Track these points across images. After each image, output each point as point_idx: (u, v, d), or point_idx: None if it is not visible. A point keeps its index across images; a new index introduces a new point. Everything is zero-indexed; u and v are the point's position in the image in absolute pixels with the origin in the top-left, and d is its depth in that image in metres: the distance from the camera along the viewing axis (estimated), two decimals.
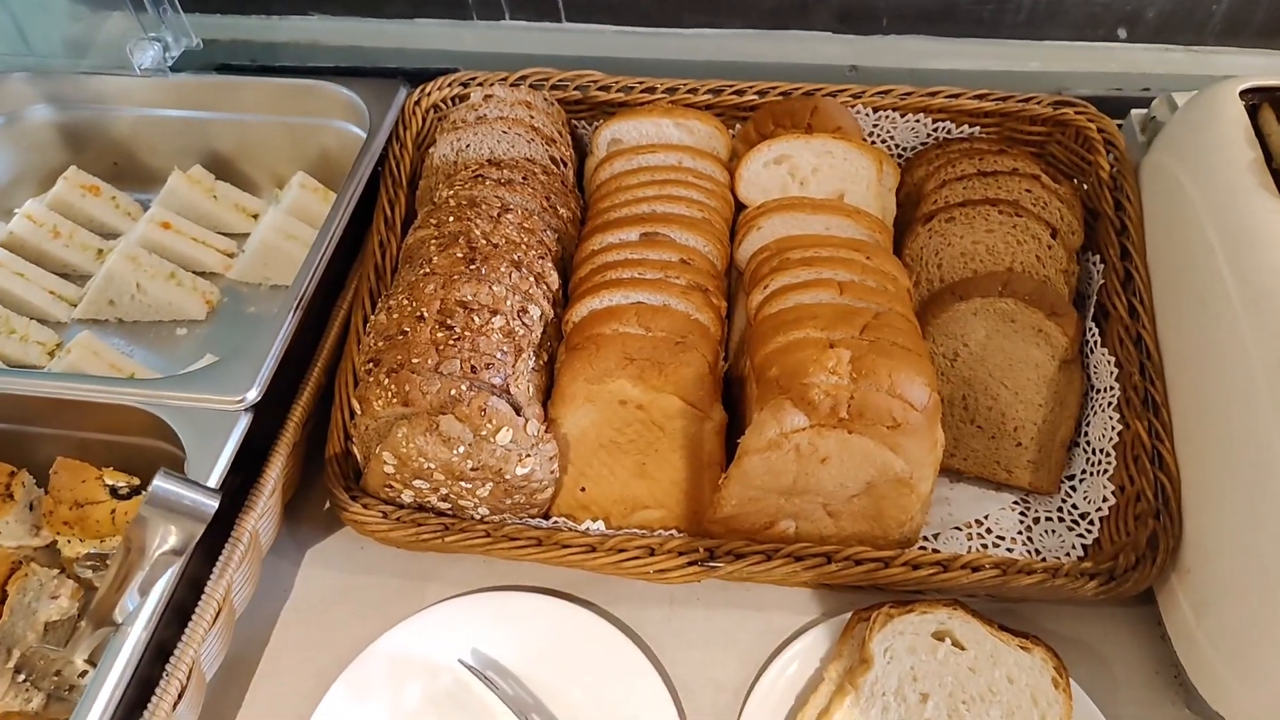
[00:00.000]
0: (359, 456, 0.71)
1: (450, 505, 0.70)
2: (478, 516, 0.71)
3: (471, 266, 0.70)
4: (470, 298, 0.69)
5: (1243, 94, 0.73)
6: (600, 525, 0.72)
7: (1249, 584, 0.61)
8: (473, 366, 0.66)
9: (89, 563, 0.68)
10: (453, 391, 0.65)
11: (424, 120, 0.89)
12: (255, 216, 0.98)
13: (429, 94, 0.90)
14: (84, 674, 0.63)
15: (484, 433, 0.64)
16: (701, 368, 0.72)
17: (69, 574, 0.70)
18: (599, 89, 0.91)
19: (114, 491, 0.70)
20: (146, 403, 0.67)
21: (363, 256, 0.82)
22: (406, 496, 0.70)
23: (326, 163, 0.96)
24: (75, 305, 0.91)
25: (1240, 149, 0.70)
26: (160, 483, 0.48)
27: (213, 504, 0.49)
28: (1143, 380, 0.73)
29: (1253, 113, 0.72)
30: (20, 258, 0.91)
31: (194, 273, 0.92)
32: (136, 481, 0.71)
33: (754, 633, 0.72)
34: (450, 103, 0.91)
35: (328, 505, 0.80)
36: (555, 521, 0.73)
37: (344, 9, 1.14)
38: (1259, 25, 1.01)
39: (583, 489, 0.74)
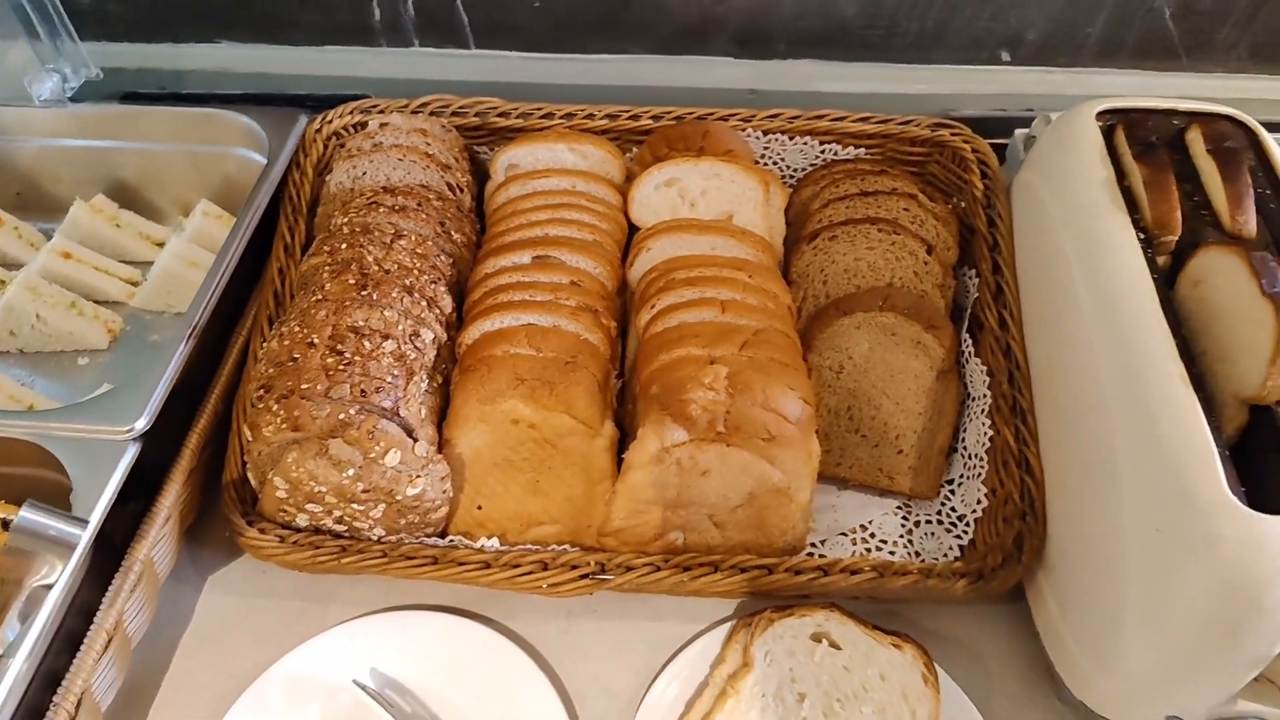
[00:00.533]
0: (254, 482, 0.72)
1: (346, 527, 0.71)
2: (374, 537, 0.72)
3: (363, 292, 0.72)
4: (362, 323, 0.70)
5: (1099, 115, 0.78)
6: (495, 542, 0.74)
7: (1100, 580, 0.64)
8: (363, 390, 0.67)
9: None
10: (342, 415, 0.66)
11: (324, 147, 0.90)
12: (160, 245, 0.98)
13: (330, 121, 0.92)
14: None
15: (373, 455, 0.66)
16: (591, 386, 0.74)
17: None
18: (498, 115, 0.93)
19: (4, 524, 0.70)
20: (33, 434, 0.67)
21: (262, 284, 0.83)
22: (301, 520, 0.71)
23: (230, 190, 0.97)
24: None
25: (1094, 168, 0.74)
26: (26, 514, 0.48)
27: (78, 533, 0.49)
28: (1011, 388, 0.77)
29: (1108, 133, 0.77)
30: None
31: (96, 302, 0.92)
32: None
33: (648, 642, 0.74)
34: (351, 130, 0.92)
35: (229, 532, 0.81)
36: (451, 540, 0.74)
37: (251, 36, 1.14)
38: (1132, 47, 1.07)
39: (479, 507, 0.75)
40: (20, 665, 0.57)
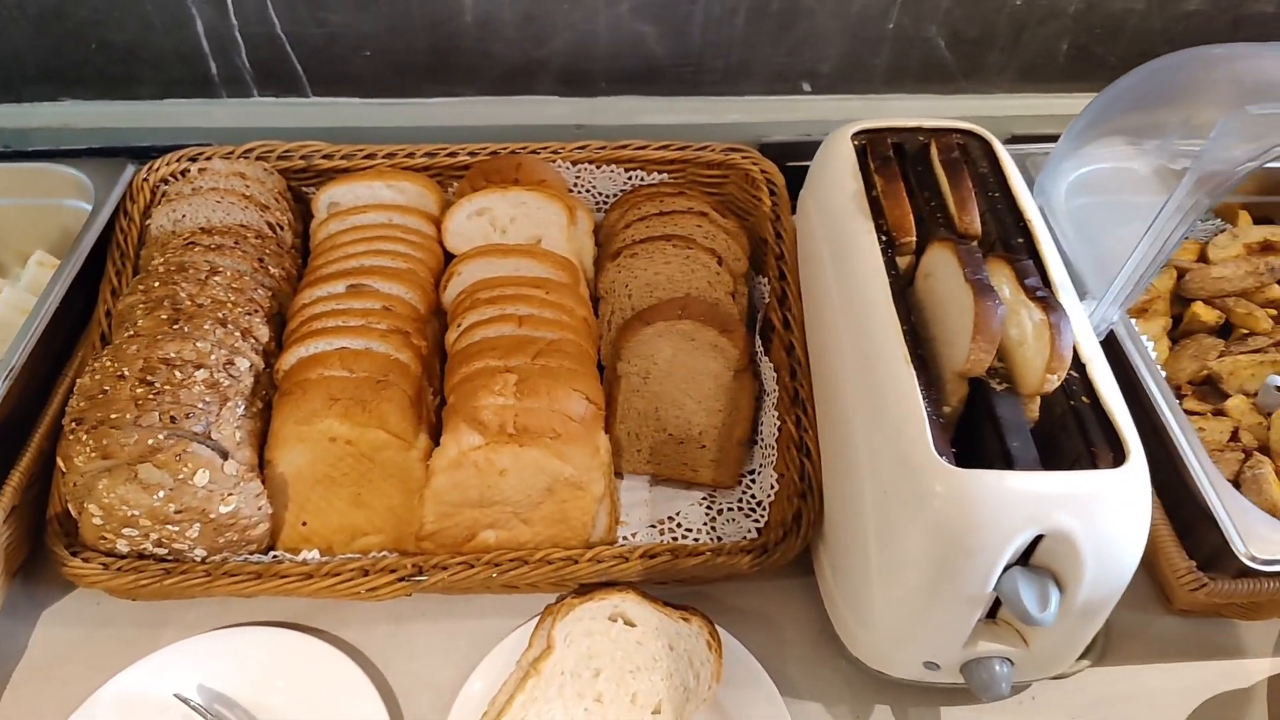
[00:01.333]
0: (74, 512, 0.75)
1: (166, 550, 0.75)
2: (196, 558, 0.76)
3: (175, 326, 0.76)
4: (174, 355, 0.75)
5: (854, 136, 0.87)
6: (316, 554, 0.78)
7: (854, 544, 0.72)
8: (172, 417, 0.72)
9: None
10: (151, 441, 0.70)
11: (151, 195, 0.95)
12: None
13: (156, 169, 0.96)
14: None
15: (181, 476, 0.70)
16: (403, 402, 0.79)
17: None
18: (322, 157, 0.98)
19: None
20: None
21: (89, 326, 0.86)
22: (122, 546, 0.74)
23: (64, 240, 1.00)
24: None
25: (847, 181, 0.83)
26: None
27: None
28: (792, 381, 0.85)
29: (862, 152, 0.86)
30: None
31: None
32: None
33: (470, 639, 0.79)
34: (179, 176, 0.96)
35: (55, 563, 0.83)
36: (275, 555, 0.79)
37: (94, 93, 1.18)
38: (915, 73, 1.18)
39: (304, 523, 0.80)
40: None
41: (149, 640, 0.79)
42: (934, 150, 0.84)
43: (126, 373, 0.73)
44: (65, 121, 1.18)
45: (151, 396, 0.72)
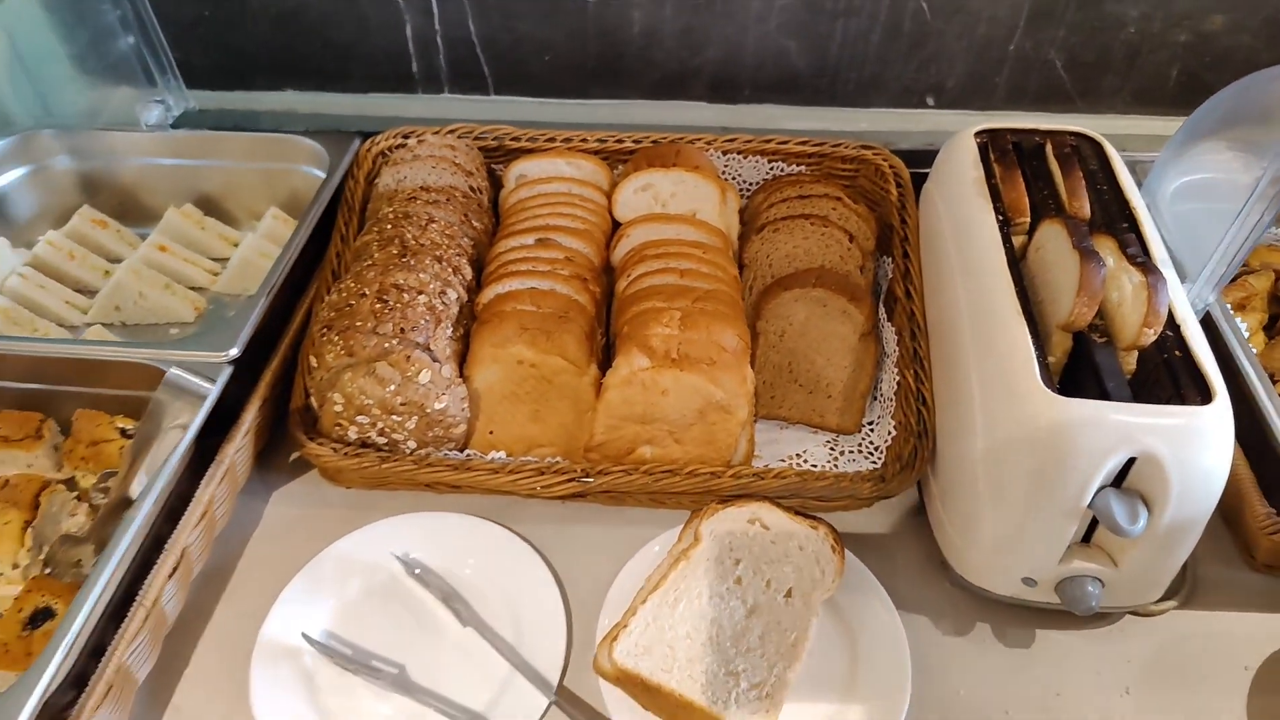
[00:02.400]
0: (315, 403, 0.92)
1: (386, 440, 0.91)
2: (408, 450, 0.92)
3: (403, 259, 0.93)
4: (402, 281, 0.92)
5: (977, 134, 0.99)
6: (503, 455, 0.94)
7: (965, 472, 0.83)
8: (401, 329, 0.88)
9: (101, 485, 0.88)
10: (385, 345, 0.87)
11: (373, 162, 1.13)
12: (236, 244, 1.21)
13: (378, 142, 1.15)
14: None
15: (409, 374, 0.86)
16: (579, 335, 0.94)
17: (85, 501, 0.90)
18: (511, 139, 1.16)
19: (123, 433, 0.91)
20: (151, 359, 0.88)
21: (323, 263, 1.05)
22: (352, 433, 0.91)
23: (294, 200, 1.20)
24: (86, 312, 1.12)
25: (969, 170, 0.95)
26: (173, 372, 0.68)
27: (209, 387, 0.69)
28: (912, 342, 0.97)
29: (983, 147, 0.98)
30: (41, 274, 1.12)
31: (185, 286, 1.14)
32: None
33: (623, 540, 0.92)
34: (395, 149, 1.15)
35: (292, 457, 1.01)
36: (468, 453, 0.94)
37: (312, 85, 1.39)
38: (1033, 93, 1.29)
39: (491, 432, 0.95)
40: (149, 507, 0.76)
41: (359, 520, 0.95)
42: (1049, 148, 0.96)
43: (367, 292, 0.90)
44: (288, 108, 1.39)
45: (386, 311, 0.89)
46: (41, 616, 0.76)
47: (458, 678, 0.83)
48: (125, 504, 0.78)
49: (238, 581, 0.91)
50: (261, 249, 1.13)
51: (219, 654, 0.85)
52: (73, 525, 0.88)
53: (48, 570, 0.84)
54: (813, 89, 1.31)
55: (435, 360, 0.89)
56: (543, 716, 0.80)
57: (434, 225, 0.97)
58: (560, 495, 0.92)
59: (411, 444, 0.92)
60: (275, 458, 1.00)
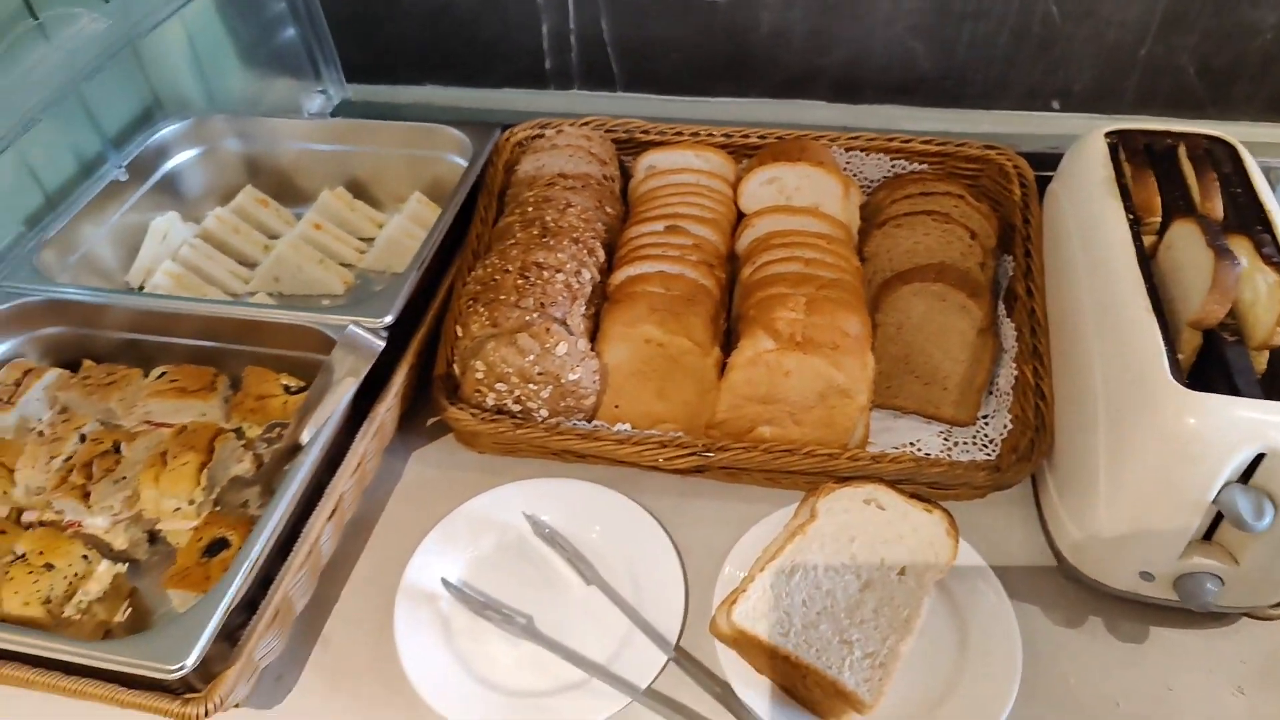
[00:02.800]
0: (456, 372, 0.99)
1: (520, 408, 0.97)
2: (540, 418, 0.98)
3: (543, 240, 0.99)
4: (542, 260, 0.98)
5: (1106, 135, 1.00)
6: (628, 428, 0.99)
7: (1085, 465, 0.85)
8: (541, 304, 0.94)
9: (267, 435, 0.97)
10: (527, 318, 0.93)
11: (512, 151, 1.20)
12: (381, 225, 1.29)
13: (516, 133, 1.22)
14: (264, 502, 0.91)
15: (548, 346, 0.92)
16: (705, 318, 0.99)
17: (250, 449, 0.99)
18: (641, 132, 1.21)
19: (287, 389, 0.99)
20: (315, 323, 0.97)
21: (464, 244, 1.12)
22: (490, 400, 0.97)
23: (436, 185, 1.28)
24: (248, 281, 1.22)
25: (1097, 170, 0.96)
26: (351, 329, 0.75)
27: (381, 344, 0.76)
28: (1032, 338, 0.98)
29: (1114, 149, 0.99)
30: (209, 245, 1.23)
31: (336, 261, 1.23)
32: (303, 383, 1.00)
33: (738, 515, 0.96)
34: (530, 140, 1.22)
35: (429, 422, 1.08)
36: (596, 424, 1.00)
37: (450, 80, 1.48)
38: (1164, 98, 1.28)
39: (617, 406, 1.01)
40: (317, 452, 0.84)
41: (490, 484, 1.01)
42: (1182, 150, 0.96)
43: (510, 269, 0.97)
44: (427, 101, 1.48)
45: (528, 287, 0.95)
46: (218, 546, 0.84)
47: (581, 631, 0.88)
48: (294, 450, 0.86)
49: (380, 531, 0.99)
50: (407, 229, 1.22)
51: (364, 595, 0.93)
52: (239, 470, 0.97)
53: (217, 508, 0.93)
54: (936, 91, 1.33)
55: (571, 334, 0.95)
56: (661, 671, 0.85)
57: (571, 209, 1.03)
58: (681, 469, 0.97)
59: (544, 412, 0.98)
60: (415, 421, 1.07)
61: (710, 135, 1.20)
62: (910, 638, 0.80)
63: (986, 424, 1.01)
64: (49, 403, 1.02)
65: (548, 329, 0.93)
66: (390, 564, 0.94)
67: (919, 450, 1.00)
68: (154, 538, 0.95)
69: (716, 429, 0.97)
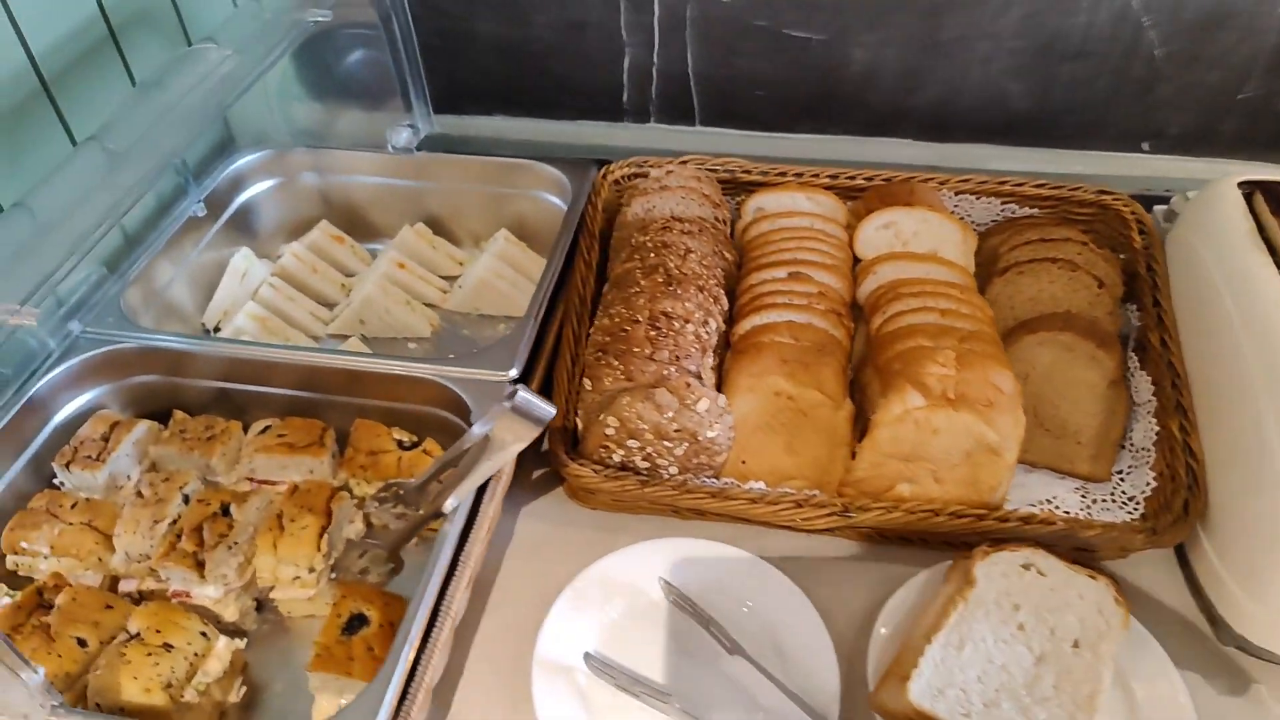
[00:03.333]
0: (580, 425, 0.94)
1: (649, 464, 0.93)
2: (666, 475, 0.94)
3: (669, 288, 0.95)
4: (670, 310, 0.94)
5: (1240, 184, 0.98)
6: (761, 485, 0.95)
7: (1256, 526, 0.82)
8: (676, 356, 0.90)
9: (381, 495, 0.91)
10: (664, 372, 0.89)
11: (609, 190, 1.16)
12: (460, 263, 1.25)
13: (613, 171, 1.18)
14: (392, 569, 0.86)
15: (688, 402, 0.88)
16: (837, 369, 0.95)
17: (360, 508, 0.93)
18: (742, 172, 1.18)
19: (400, 444, 0.94)
20: (436, 375, 0.91)
21: (568, 287, 1.07)
22: (616, 457, 0.93)
23: (520, 222, 1.23)
24: (327, 324, 1.17)
25: (1238, 221, 0.94)
26: (523, 393, 0.70)
27: (553, 411, 0.71)
28: (1174, 392, 0.96)
29: (1247, 198, 0.97)
30: (290, 285, 1.17)
31: (420, 302, 1.18)
32: (415, 438, 0.95)
33: (875, 575, 0.93)
34: (627, 179, 1.18)
35: (535, 474, 1.03)
36: (725, 481, 0.95)
37: (521, 112, 1.43)
38: (1262, 142, 1.27)
39: (743, 461, 0.96)
40: (459, 526, 0.79)
41: (606, 541, 0.96)
42: None
43: (640, 319, 0.92)
44: (497, 134, 1.43)
45: (660, 339, 0.91)
46: (356, 623, 0.79)
47: (730, 705, 0.83)
48: (434, 517, 0.80)
49: (500, 593, 0.93)
50: (496, 270, 1.17)
51: (493, 663, 0.87)
52: (351, 531, 0.91)
53: (333, 574, 0.87)
54: (1026, 131, 1.31)
55: (708, 389, 0.90)
56: None
57: (692, 255, 0.99)
58: (816, 529, 0.92)
59: (673, 469, 0.93)
60: (519, 474, 1.02)
61: (815, 176, 1.17)
62: (1096, 716, 0.76)
63: (1123, 480, 0.98)
64: (138, 458, 0.95)
65: (687, 384, 0.88)
66: (517, 630, 0.89)
67: (1058, 508, 0.96)
68: (260, 605, 0.89)
69: (851, 486, 0.93)
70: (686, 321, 0.94)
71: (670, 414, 0.89)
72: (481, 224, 1.26)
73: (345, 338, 1.16)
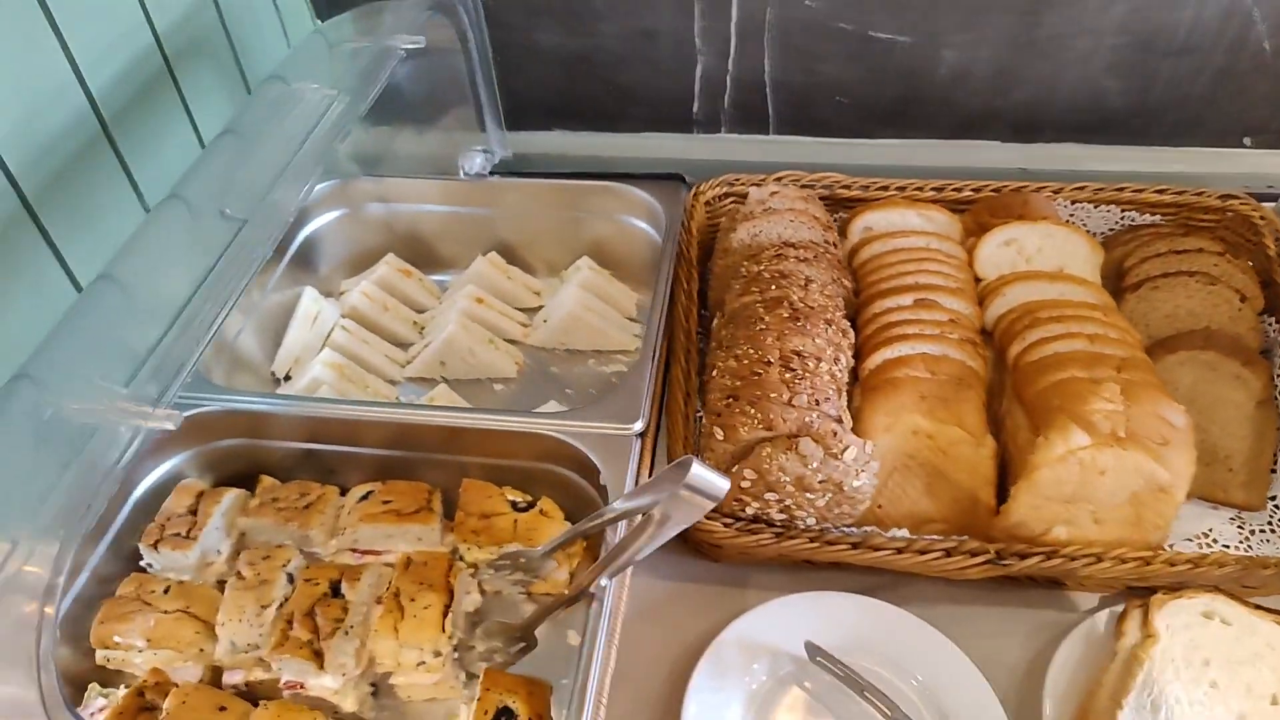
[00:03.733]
0: None
1: (785, 516, 0.86)
2: (801, 525, 0.87)
3: (797, 323, 0.88)
4: (801, 348, 0.87)
5: None
6: (904, 531, 0.88)
7: None
8: (816, 400, 0.83)
9: (502, 561, 0.84)
10: (806, 419, 0.82)
11: (702, 212, 1.09)
12: (537, 294, 1.17)
13: (704, 192, 1.11)
14: (523, 648, 0.79)
15: (834, 451, 0.81)
16: (977, 404, 0.89)
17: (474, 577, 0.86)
18: (841, 187, 1.11)
19: (514, 505, 0.87)
20: (556, 431, 0.84)
21: (672, 319, 0.99)
22: (751, 509, 0.86)
23: (599, 247, 1.15)
24: (403, 365, 1.09)
25: None
26: (697, 469, 0.63)
27: (726, 486, 0.64)
28: None
29: None
30: (362, 327, 1.09)
31: (502, 338, 1.10)
32: (530, 499, 0.87)
33: (1027, 624, 0.87)
34: (718, 199, 1.10)
35: None
36: (865, 529, 0.89)
37: (582, 125, 1.36)
38: None
39: (879, 506, 0.90)
40: (610, 603, 0.72)
41: (735, 596, 0.90)
42: None
43: (771, 360, 0.85)
44: (558, 149, 1.35)
45: (796, 381, 0.84)
46: (503, 716, 0.72)
47: None
48: (580, 598, 0.73)
49: (627, 656, 0.85)
50: (586, 303, 1.09)
51: None
52: (469, 603, 0.84)
53: (456, 656, 0.80)
54: (1123, 129, 1.25)
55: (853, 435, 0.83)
56: None
57: (814, 285, 0.92)
58: (969, 578, 0.86)
59: (811, 520, 0.86)
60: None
61: (919, 190, 1.09)
62: None
63: (1278, 508, 0.92)
64: (226, 530, 0.88)
65: (833, 431, 0.81)
66: (652, 699, 0.83)
67: (1215, 542, 0.90)
68: (375, 690, 0.82)
69: (1003, 531, 0.87)
70: (819, 360, 0.87)
71: (815, 464, 0.82)
72: (558, 251, 1.18)
73: (425, 380, 1.08)
